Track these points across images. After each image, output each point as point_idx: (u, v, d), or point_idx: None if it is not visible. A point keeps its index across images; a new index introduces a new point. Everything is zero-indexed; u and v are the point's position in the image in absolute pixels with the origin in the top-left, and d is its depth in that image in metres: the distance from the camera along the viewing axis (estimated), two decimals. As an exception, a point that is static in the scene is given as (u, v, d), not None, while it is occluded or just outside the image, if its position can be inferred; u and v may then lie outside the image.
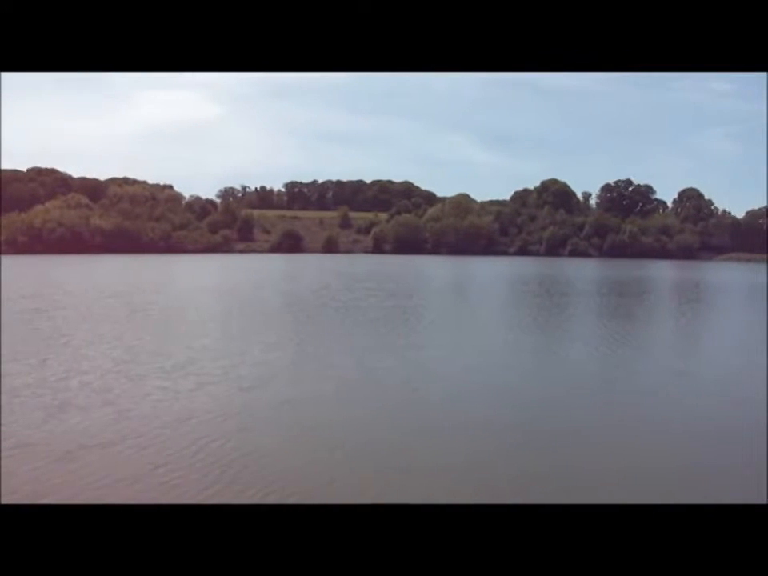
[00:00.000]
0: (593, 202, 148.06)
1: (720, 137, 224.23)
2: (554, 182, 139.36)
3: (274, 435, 11.66)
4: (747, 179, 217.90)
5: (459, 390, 15.51)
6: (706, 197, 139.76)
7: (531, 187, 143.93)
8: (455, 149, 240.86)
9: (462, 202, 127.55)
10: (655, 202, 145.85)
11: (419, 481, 9.52)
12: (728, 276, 74.49)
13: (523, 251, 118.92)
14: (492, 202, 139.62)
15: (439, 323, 27.60)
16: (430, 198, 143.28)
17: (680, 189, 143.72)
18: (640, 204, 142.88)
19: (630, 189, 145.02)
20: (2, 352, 17.96)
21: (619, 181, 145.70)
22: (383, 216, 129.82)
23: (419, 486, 9.29)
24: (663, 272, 78.72)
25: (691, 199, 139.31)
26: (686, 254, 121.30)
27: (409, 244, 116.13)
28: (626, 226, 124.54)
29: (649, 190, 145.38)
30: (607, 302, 39.98)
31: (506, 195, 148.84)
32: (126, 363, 17.43)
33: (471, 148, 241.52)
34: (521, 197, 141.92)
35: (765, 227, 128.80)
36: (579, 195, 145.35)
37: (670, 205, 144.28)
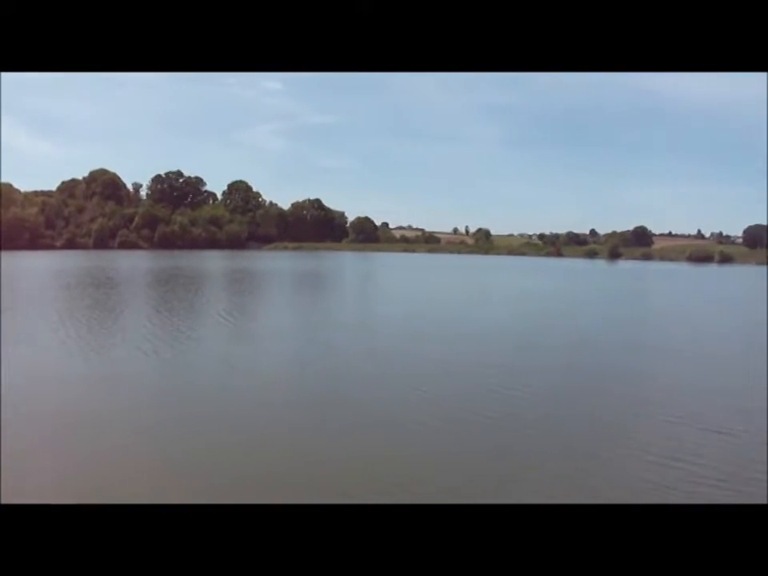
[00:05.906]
0: (143, 193, 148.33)
1: (268, 132, 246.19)
2: (104, 172, 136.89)
3: None
4: (291, 172, 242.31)
5: None
6: (255, 189, 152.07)
7: (80, 177, 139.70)
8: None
9: (5, 193, 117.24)
10: (205, 194, 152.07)
11: None
12: (267, 264, 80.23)
13: (72, 244, 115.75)
14: (37, 193, 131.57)
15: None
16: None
17: (229, 181, 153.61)
18: (191, 195, 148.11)
19: (181, 180, 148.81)
20: None
21: (170, 172, 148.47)
22: None
23: None
24: (205, 262, 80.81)
25: (240, 191, 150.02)
26: (236, 243, 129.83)
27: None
28: (177, 218, 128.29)
29: (199, 181, 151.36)
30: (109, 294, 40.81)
31: (52, 185, 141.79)
32: None
33: (14, 134, 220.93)
34: (68, 187, 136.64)
35: (308, 217, 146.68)
36: (130, 186, 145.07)
37: (219, 196, 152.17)
